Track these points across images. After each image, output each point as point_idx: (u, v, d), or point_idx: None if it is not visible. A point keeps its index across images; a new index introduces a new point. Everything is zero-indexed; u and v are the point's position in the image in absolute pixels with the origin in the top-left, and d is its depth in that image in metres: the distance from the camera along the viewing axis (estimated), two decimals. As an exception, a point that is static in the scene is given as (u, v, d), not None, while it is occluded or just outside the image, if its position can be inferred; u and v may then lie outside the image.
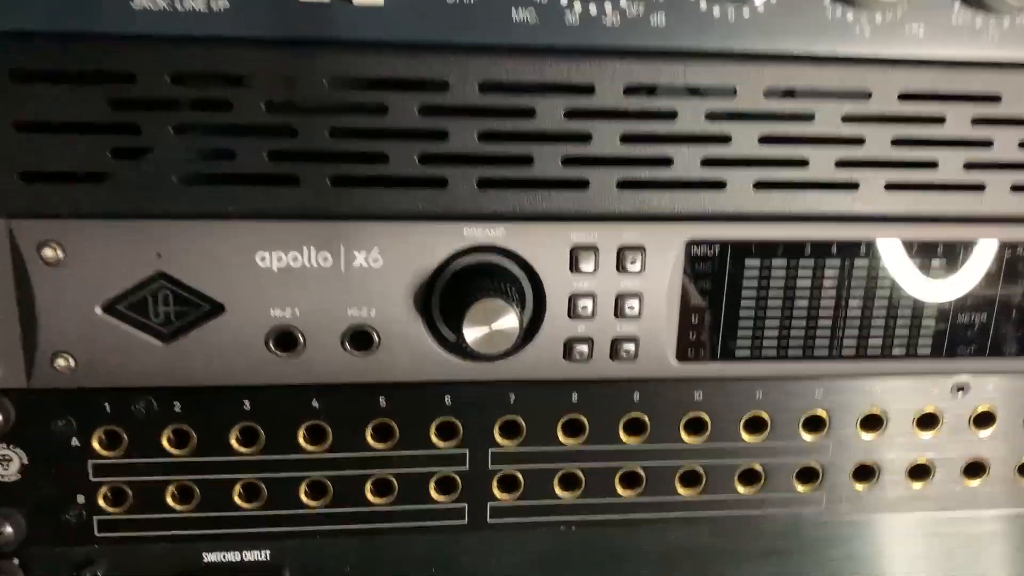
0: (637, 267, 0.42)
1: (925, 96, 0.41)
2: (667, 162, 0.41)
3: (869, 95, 0.41)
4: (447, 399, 0.44)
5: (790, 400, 0.46)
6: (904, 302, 0.44)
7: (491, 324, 0.39)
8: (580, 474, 0.46)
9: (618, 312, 0.43)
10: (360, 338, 0.42)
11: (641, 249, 0.42)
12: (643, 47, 0.40)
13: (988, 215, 0.43)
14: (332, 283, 0.41)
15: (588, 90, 0.39)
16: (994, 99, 0.41)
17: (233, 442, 0.44)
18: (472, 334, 0.39)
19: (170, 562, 0.45)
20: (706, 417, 0.46)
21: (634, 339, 0.43)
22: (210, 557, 0.45)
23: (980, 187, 0.43)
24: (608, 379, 0.44)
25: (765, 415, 0.46)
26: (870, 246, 0.44)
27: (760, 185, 0.42)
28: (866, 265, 0.44)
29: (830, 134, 0.41)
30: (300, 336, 0.41)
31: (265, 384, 0.43)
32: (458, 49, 0.39)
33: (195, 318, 0.41)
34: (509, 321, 0.39)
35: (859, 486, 0.48)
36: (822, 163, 0.41)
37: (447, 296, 0.41)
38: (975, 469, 0.48)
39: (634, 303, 0.42)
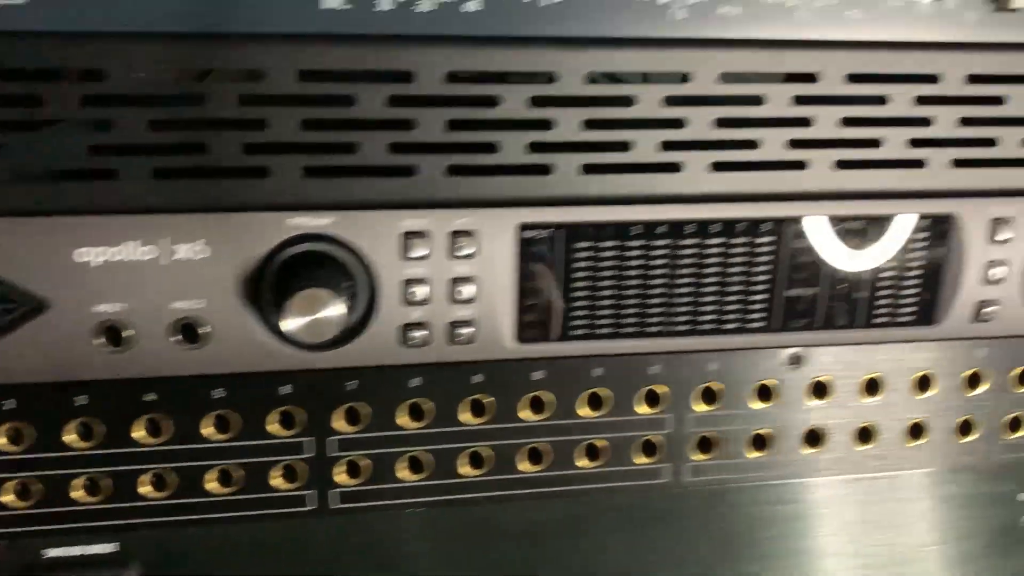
0: (470, 252, 0.45)
1: (746, 77, 0.44)
2: (493, 148, 0.43)
3: (687, 77, 0.43)
4: (285, 388, 0.46)
5: (628, 376, 0.49)
6: (735, 278, 0.48)
7: (314, 313, 0.41)
8: (428, 456, 0.49)
9: (453, 297, 0.45)
10: (190, 330, 0.44)
11: (473, 234, 0.45)
12: (460, 34, 0.42)
13: (811, 192, 0.47)
14: (158, 276, 0.43)
15: (407, 77, 0.41)
16: (811, 78, 0.45)
17: (72, 437, 0.46)
18: (293, 324, 0.41)
19: (9, 560, 0.46)
20: (548, 396, 0.49)
21: (471, 323, 0.46)
22: (52, 553, 0.47)
23: (802, 165, 0.46)
24: (448, 363, 0.47)
25: (605, 391, 0.49)
26: (699, 225, 0.47)
27: (587, 169, 0.44)
28: (695, 244, 0.47)
29: (653, 116, 0.44)
30: (128, 330, 0.43)
31: (98, 379, 0.44)
32: (274, 38, 0.40)
33: (18, 316, 0.42)
34: (333, 310, 0.41)
35: (702, 456, 0.52)
36: (646, 146, 0.44)
37: (276, 286, 0.43)
38: (813, 438, 0.52)
39: (469, 288, 0.45)
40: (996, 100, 0.48)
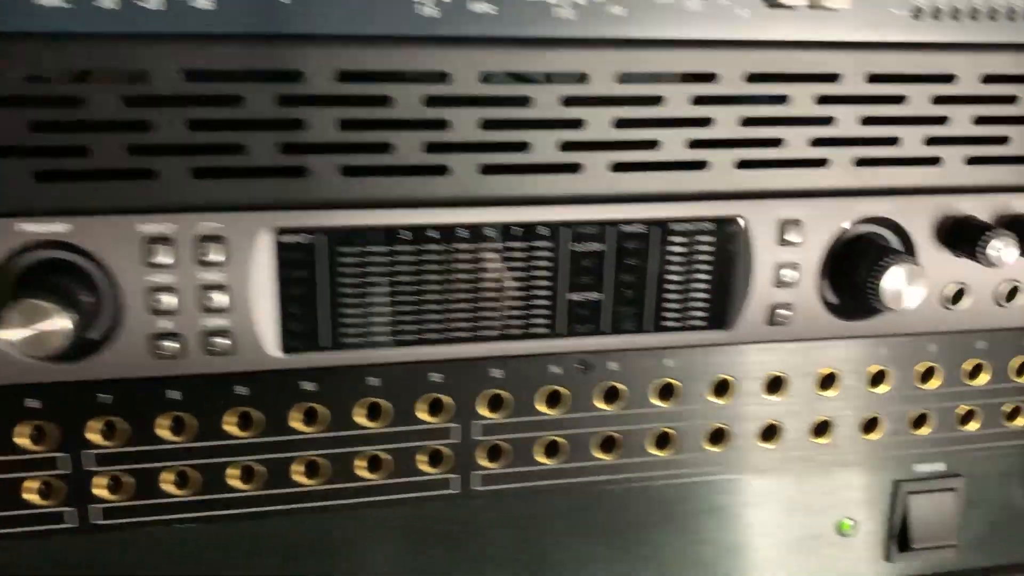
0: (219, 259, 0.43)
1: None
2: (241, 150, 0.42)
3: (445, 78, 0.43)
4: (33, 402, 0.45)
5: (409, 385, 0.48)
6: (515, 283, 0.47)
7: (33, 325, 0.39)
8: (194, 471, 0.48)
9: (204, 306, 0.44)
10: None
11: (222, 240, 0.43)
12: (195, 31, 0.40)
13: (588, 195, 0.46)
14: None
15: (143, 77, 0.40)
16: (709, 78, 0.46)
17: None
18: (13, 336, 0.39)
19: None
20: (321, 408, 0.48)
21: (227, 332, 0.45)
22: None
23: (576, 167, 0.46)
24: (207, 374, 0.45)
25: (384, 402, 0.48)
26: (473, 229, 0.46)
27: (347, 171, 0.44)
28: (471, 248, 0.46)
29: (417, 117, 0.43)
30: None
31: None
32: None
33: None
34: (55, 323, 0.39)
35: (492, 464, 0.51)
36: (410, 147, 0.44)
37: (13, 297, 0.41)
38: (608, 444, 0.52)
39: (221, 296, 0.44)
40: (779, 99, 0.48)
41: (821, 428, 0.56)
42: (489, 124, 0.45)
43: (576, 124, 0.46)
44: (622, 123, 0.47)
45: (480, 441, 0.51)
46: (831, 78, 0.48)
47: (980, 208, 0.52)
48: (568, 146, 0.46)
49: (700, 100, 0.47)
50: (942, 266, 0.53)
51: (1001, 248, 0.50)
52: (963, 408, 0.58)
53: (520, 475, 0.53)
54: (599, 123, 0.46)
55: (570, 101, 0.46)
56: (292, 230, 0.45)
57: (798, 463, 0.56)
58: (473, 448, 0.52)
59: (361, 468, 0.50)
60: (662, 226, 0.49)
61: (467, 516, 0.53)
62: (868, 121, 0.49)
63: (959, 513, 0.59)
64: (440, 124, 0.44)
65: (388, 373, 0.49)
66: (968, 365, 0.57)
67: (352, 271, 0.46)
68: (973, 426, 0.58)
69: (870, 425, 0.57)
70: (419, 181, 0.45)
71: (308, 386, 0.48)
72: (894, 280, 0.48)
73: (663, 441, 0.54)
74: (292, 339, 0.46)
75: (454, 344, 0.49)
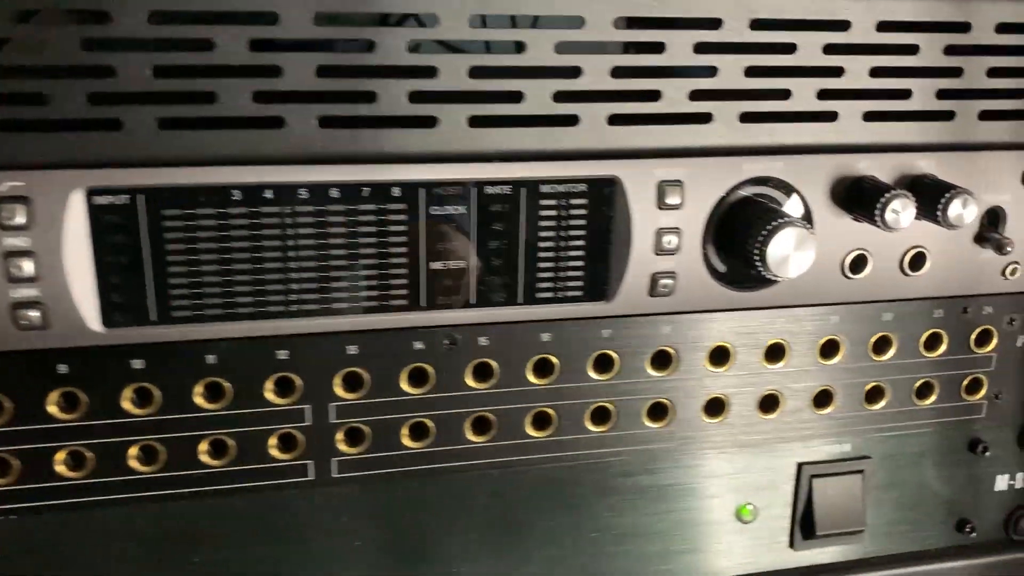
0: (22, 222, 0.39)
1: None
2: (42, 100, 0.38)
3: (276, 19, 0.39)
4: None
5: (253, 363, 0.45)
6: (368, 251, 0.44)
7: None
8: (15, 459, 0.44)
9: (9, 274, 0.40)
10: None
11: (26, 200, 0.39)
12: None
13: (446, 152, 0.43)
14: None
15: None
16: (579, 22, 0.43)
17: None
18: None
19: None
20: (153, 387, 0.44)
21: (38, 304, 0.41)
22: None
23: (433, 121, 0.42)
24: (20, 351, 0.41)
25: (223, 380, 0.45)
26: (314, 190, 0.42)
27: (163, 124, 0.41)
28: (314, 211, 0.43)
29: (244, 64, 0.40)
30: None
31: None
32: None
33: None
34: None
35: (351, 449, 0.48)
36: (238, 98, 0.40)
37: None
38: (481, 425, 0.49)
39: (27, 263, 0.40)
40: (657, 47, 0.44)
41: (714, 406, 0.53)
42: (327, 71, 0.42)
43: (429, 72, 0.43)
44: (480, 72, 0.43)
45: (337, 424, 0.48)
46: (713, 24, 0.45)
47: (880, 168, 0.49)
48: (419, 97, 0.43)
49: (565, 48, 0.44)
50: (840, 231, 0.50)
51: (900, 211, 0.47)
52: (869, 385, 0.55)
53: (383, 460, 0.49)
54: (455, 72, 0.43)
55: (415, 47, 0.42)
56: (105, 190, 0.41)
57: (692, 444, 0.54)
58: (330, 431, 0.48)
59: (204, 454, 0.47)
60: (530, 187, 0.46)
61: (326, 505, 0.49)
62: (754, 72, 0.47)
63: (867, 497, 0.57)
64: (272, 71, 0.41)
65: (227, 349, 0.45)
66: (873, 338, 0.54)
67: (177, 236, 0.42)
68: (881, 404, 0.56)
69: (768, 403, 0.54)
70: (250, 135, 0.42)
71: (137, 364, 0.44)
72: (780, 245, 0.45)
73: (542, 421, 0.51)
74: (114, 312, 0.43)
75: (299, 318, 0.45)
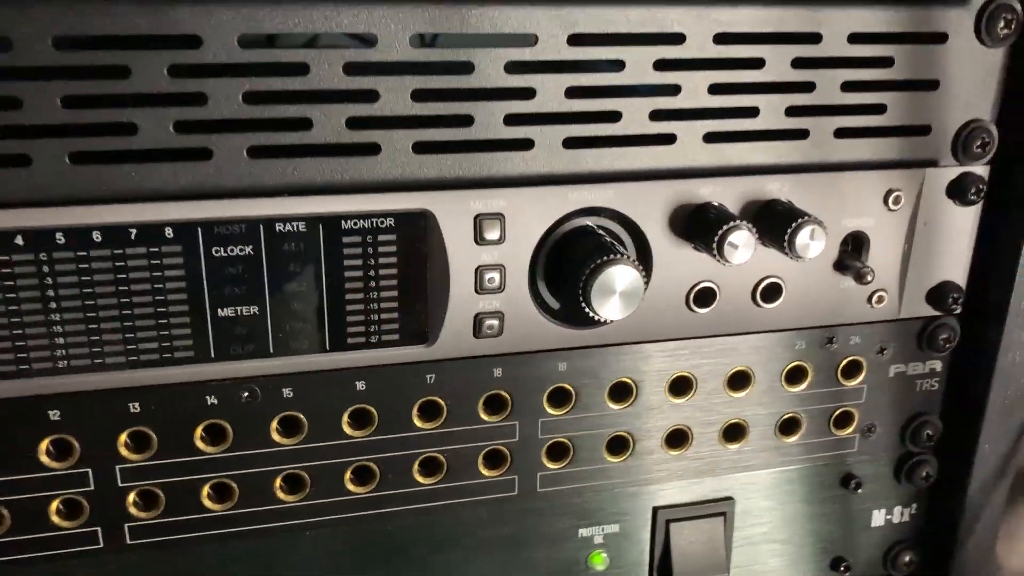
0: None
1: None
2: None
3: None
4: None
5: (25, 424, 0.41)
6: (140, 297, 0.39)
7: None
8: None
9: None
10: None
11: None
12: None
13: (223, 188, 0.38)
14: None
15: None
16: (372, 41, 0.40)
17: None
18: None
19: None
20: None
21: None
22: None
23: (208, 153, 0.37)
24: None
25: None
26: (66, 234, 0.38)
27: None
28: (71, 257, 0.38)
29: None
30: None
31: None
32: None
33: None
34: None
35: (144, 514, 0.44)
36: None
37: None
38: (292, 483, 0.45)
39: None
40: (465, 67, 0.41)
41: (557, 451, 0.50)
42: (72, 101, 0.37)
43: (198, 100, 0.39)
44: (255, 98, 0.39)
45: (126, 488, 0.44)
46: (527, 40, 0.41)
47: (725, 194, 0.46)
48: (185, 127, 0.39)
49: (354, 68, 0.40)
50: (682, 263, 0.47)
51: (739, 244, 0.44)
52: (728, 422, 0.52)
53: (180, 525, 0.45)
54: (226, 98, 0.39)
55: (179, 71, 0.38)
56: None
57: (536, 492, 0.50)
58: (118, 496, 0.44)
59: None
60: (330, 223, 0.42)
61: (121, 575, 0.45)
62: (576, 93, 0.43)
63: (730, 540, 0.54)
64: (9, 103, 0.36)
65: (-10, 411, 0.41)
66: (729, 373, 0.51)
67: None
68: (741, 442, 0.53)
69: (617, 445, 0.51)
70: (-9, 175, 0.37)
71: None
72: (605, 285, 0.42)
73: (363, 475, 0.47)
74: None
75: (67, 375, 0.41)
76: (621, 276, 0.42)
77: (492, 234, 0.44)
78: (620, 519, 0.53)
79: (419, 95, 0.41)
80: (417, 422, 0.47)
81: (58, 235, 0.39)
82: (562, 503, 0.51)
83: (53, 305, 0.40)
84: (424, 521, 0.49)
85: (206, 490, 0.45)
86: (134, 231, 0.40)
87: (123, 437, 0.43)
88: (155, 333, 0.41)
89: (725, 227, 0.43)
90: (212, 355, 0.42)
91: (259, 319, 0.42)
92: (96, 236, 0.39)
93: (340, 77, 0.40)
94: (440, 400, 0.47)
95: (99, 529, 0.44)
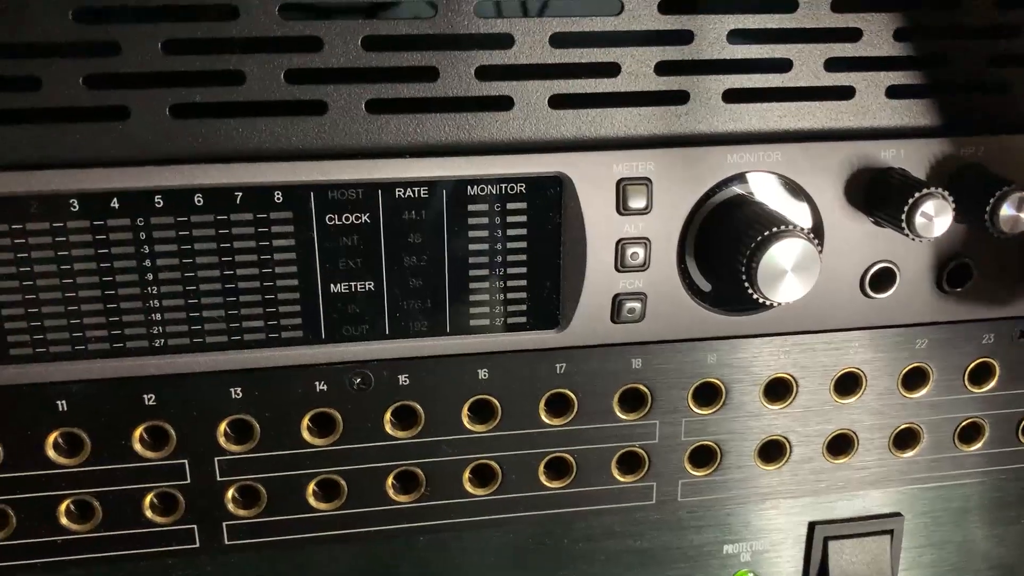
0: None
1: None
2: None
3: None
4: None
5: (115, 407, 0.38)
6: (239, 274, 0.36)
7: None
8: None
9: None
10: None
11: None
12: None
13: (340, 146, 0.35)
14: None
15: None
16: None
17: None
18: None
19: None
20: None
21: None
22: None
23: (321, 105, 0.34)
24: None
25: (78, 432, 0.38)
26: (166, 196, 0.35)
27: None
28: (171, 223, 0.35)
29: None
30: None
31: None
32: None
33: None
34: None
35: (241, 511, 0.40)
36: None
37: None
38: (407, 482, 0.41)
39: None
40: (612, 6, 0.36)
41: (702, 455, 0.45)
42: (174, 46, 0.34)
43: (312, 44, 0.35)
44: (376, 43, 0.35)
45: (225, 482, 0.41)
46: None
47: (909, 158, 0.40)
48: (299, 76, 0.35)
49: (487, 10, 0.35)
50: (858, 239, 0.41)
51: (934, 214, 0.38)
52: (901, 426, 0.46)
53: (284, 525, 0.42)
54: (343, 43, 0.35)
55: (291, 11, 0.34)
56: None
57: (676, 501, 0.45)
58: (217, 491, 0.41)
59: (65, 515, 0.40)
60: (453, 188, 0.38)
61: (217, 577, 0.43)
62: (736, 37, 0.38)
63: (897, 563, 0.48)
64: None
65: (80, 394, 0.38)
66: (905, 369, 0.45)
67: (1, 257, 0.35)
68: (915, 450, 0.47)
69: (771, 451, 0.46)
70: (87, 130, 0.34)
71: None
72: (774, 262, 0.37)
73: (484, 476, 0.43)
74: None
75: (163, 355, 0.38)
76: (793, 251, 0.37)
77: (637, 202, 0.39)
78: (771, 535, 0.47)
79: (558, 39, 0.37)
80: (544, 417, 0.43)
81: (156, 198, 0.36)
82: (706, 515, 0.46)
83: (149, 277, 0.37)
84: (548, 530, 0.45)
85: (312, 487, 0.42)
86: (240, 194, 0.36)
87: (223, 426, 0.40)
88: (261, 311, 0.38)
89: (917, 195, 0.38)
90: (323, 336, 0.39)
91: (375, 297, 0.39)
92: (198, 199, 0.36)
93: (471, 19, 0.36)
94: (571, 393, 0.42)
95: (195, 527, 0.41)
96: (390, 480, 0.42)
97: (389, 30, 0.35)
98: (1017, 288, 0.44)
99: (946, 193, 0.38)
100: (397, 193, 0.37)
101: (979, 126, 0.41)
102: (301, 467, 0.41)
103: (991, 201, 0.39)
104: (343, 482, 0.42)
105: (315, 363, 0.40)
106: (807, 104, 0.39)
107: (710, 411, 0.44)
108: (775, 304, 0.37)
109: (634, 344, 0.42)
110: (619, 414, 0.43)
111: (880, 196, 0.40)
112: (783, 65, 0.39)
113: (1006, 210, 0.39)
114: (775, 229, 0.37)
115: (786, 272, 0.37)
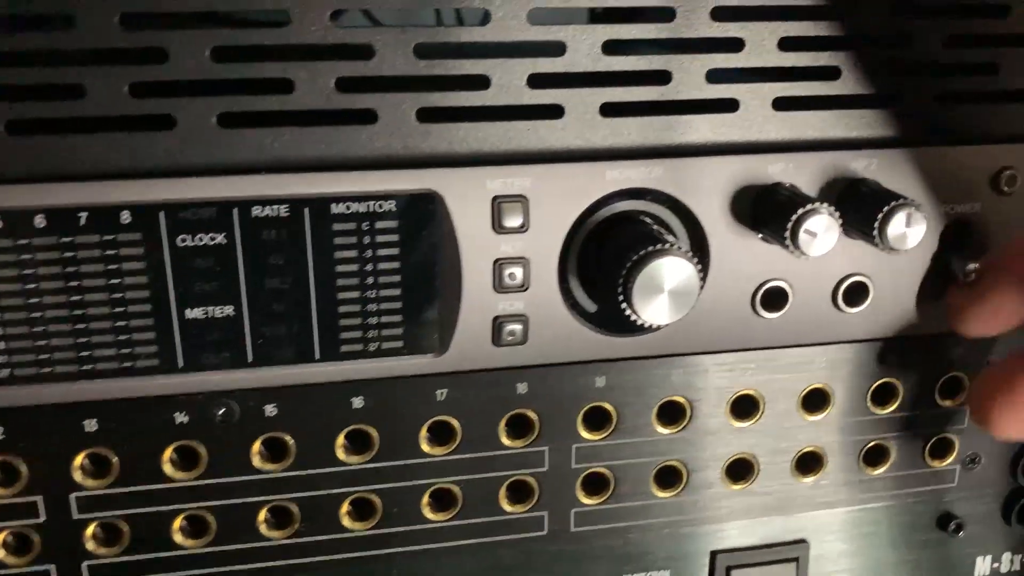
0: None
1: None
2: None
3: None
4: None
5: None
6: (85, 300, 0.34)
7: None
8: None
9: None
10: None
11: None
12: None
13: (190, 164, 0.33)
14: None
15: None
16: None
17: None
18: None
19: None
20: None
21: None
22: None
23: (170, 122, 0.32)
24: None
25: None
26: (4, 217, 0.33)
27: None
28: (8, 246, 0.33)
29: None
30: None
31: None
32: None
33: None
34: None
35: (101, 549, 0.38)
36: None
37: None
38: (281, 518, 0.40)
39: None
40: (481, 16, 0.35)
41: (595, 483, 0.43)
42: (6, 59, 0.32)
43: (157, 56, 0.33)
44: (226, 54, 0.34)
45: (84, 520, 0.39)
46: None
47: (797, 172, 0.39)
48: (142, 89, 0.33)
49: (345, 17, 0.34)
50: (747, 257, 0.40)
51: (819, 231, 0.37)
52: (804, 450, 0.45)
53: (147, 564, 0.40)
54: (190, 53, 0.33)
55: (134, 21, 0.33)
56: None
57: (569, 530, 0.43)
58: (74, 529, 0.39)
59: (-100, 564, 0.38)
60: (317, 207, 0.36)
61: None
62: (613, 49, 0.37)
63: (803, 591, 0.47)
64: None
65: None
66: (804, 392, 0.44)
67: None
68: (818, 474, 0.46)
69: (667, 477, 0.44)
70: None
71: None
72: (649, 282, 0.35)
73: (362, 509, 0.42)
74: None
75: (9, 386, 0.36)
76: (671, 271, 0.35)
77: (513, 220, 0.37)
78: (671, 565, 0.46)
79: (423, 50, 0.35)
80: (426, 447, 0.41)
81: None
82: (600, 546, 0.44)
83: (-11, 303, 0.35)
84: (435, 565, 0.43)
85: (178, 523, 0.40)
86: (84, 215, 0.34)
87: (79, 460, 0.38)
88: (112, 338, 0.36)
89: (800, 211, 0.37)
90: (180, 365, 0.37)
91: (234, 322, 0.37)
92: (39, 221, 0.34)
93: (328, 29, 0.34)
94: (453, 421, 0.41)
95: (52, 568, 0.39)
96: (262, 515, 0.40)
97: (239, 40, 0.34)
98: (915, 306, 0.43)
99: (832, 209, 0.37)
100: (255, 212, 0.36)
101: (871, 139, 0.41)
102: (165, 503, 0.39)
103: (879, 216, 0.38)
104: (211, 518, 0.40)
105: (174, 393, 0.38)
106: (689, 117, 0.38)
107: (601, 436, 0.42)
108: (652, 326, 0.36)
109: (518, 368, 0.40)
110: (506, 441, 0.42)
111: (766, 212, 0.39)
112: (662, 77, 0.37)
113: (894, 226, 0.38)
114: (651, 248, 0.36)
115: (663, 292, 0.36)
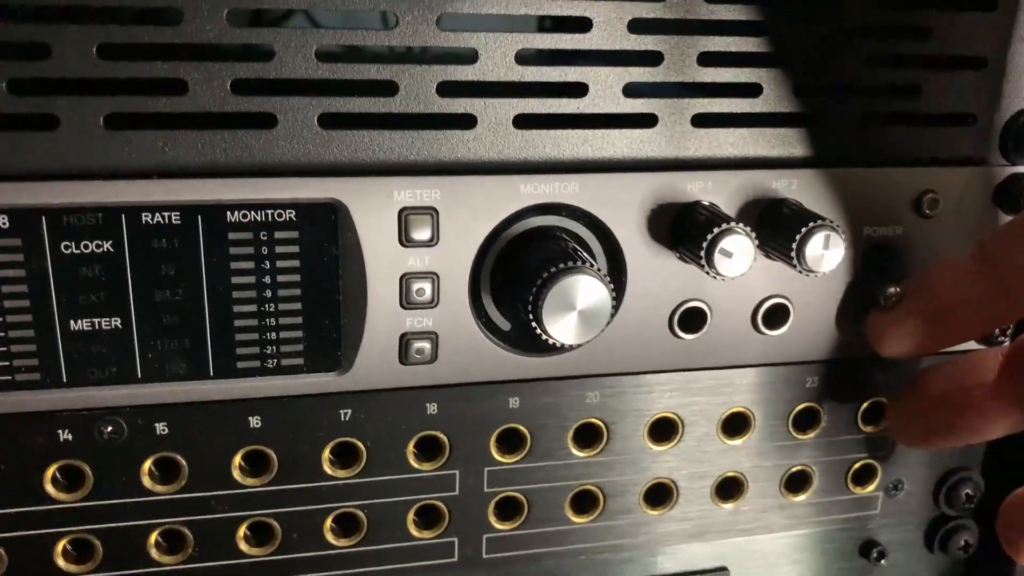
0: None
1: None
2: None
3: None
4: None
5: None
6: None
7: None
8: None
9: None
10: None
11: None
12: None
13: (76, 167, 0.31)
14: None
15: None
16: None
17: None
18: None
19: None
20: None
21: None
22: None
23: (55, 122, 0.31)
24: None
25: None
26: None
27: None
28: None
29: None
30: None
31: None
32: None
33: None
34: None
35: None
36: None
37: None
38: (172, 542, 0.38)
39: None
40: (386, 19, 0.34)
41: (508, 507, 0.42)
42: None
43: (40, 52, 0.32)
44: (114, 51, 0.32)
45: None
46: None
47: (715, 191, 0.39)
48: (23, 87, 0.32)
49: (241, 17, 0.33)
50: (664, 276, 0.39)
51: (735, 251, 0.36)
52: (724, 475, 0.45)
53: (24, 593, 0.38)
54: (73, 51, 0.32)
55: (19, 13, 0.31)
56: None
57: (480, 557, 0.42)
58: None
59: None
60: (211, 215, 0.35)
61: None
62: (528, 58, 0.36)
63: (723, 621, 0.46)
64: None
65: None
66: (725, 414, 0.43)
67: None
68: (739, 500, 0.45)
69: (583, 501, 0.43)
70: None
71: None
72: (561, 299, 0.34)
73: (261, 534, 0.40)
74: None
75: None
76: (582, 290, 0.34)
77: (421, 233, 0.36)
78: (588, 594, 0.45)
79: (327, 55, 0.34)
80: (329, 469, 0.39)
81: None
82: (514, 572, 0.43)
83: None
84: (342, 591, 0.42)
85: (61, 547, 0.38)
86: (-45, 219, 0.33)
87: (-50, 481, 0.36)
88: (-13, 350, 0.35)
89: (716, 230, 0.36)
90: (64, 379, 0.35)
91: (122, 335, 0.35)
92: (-94, 224, 0.33)
93: (224, 28, 0.33)
94: (358, 442, 0.39)
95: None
96: (152, 539, 0.39)
97: (128, 37, 0.33)
98: (837, 329, 0.43)
99: (748, 229, 0.36)
100: (144, 219, 0.34)
101: (792, 159, 0.40)
102: (46, 525, 0.37)
103: (797, 238, 0.37)
104: (96, 542, 0.38)
105: (57, 409, 0.36)
106: (606, 132, 0.37)
107: (514, 459, 0.41)
108: (563, 346, 0.35)
109: (427, 388, 0.39)
110: (414, 464, 0.40)
111: (684, 231, 0.38)
112: (578, 89, 0.37)
113: (812, 247, 0.37)
114: (563, 265, 0.35)
115: (574, 312, 0.35)
